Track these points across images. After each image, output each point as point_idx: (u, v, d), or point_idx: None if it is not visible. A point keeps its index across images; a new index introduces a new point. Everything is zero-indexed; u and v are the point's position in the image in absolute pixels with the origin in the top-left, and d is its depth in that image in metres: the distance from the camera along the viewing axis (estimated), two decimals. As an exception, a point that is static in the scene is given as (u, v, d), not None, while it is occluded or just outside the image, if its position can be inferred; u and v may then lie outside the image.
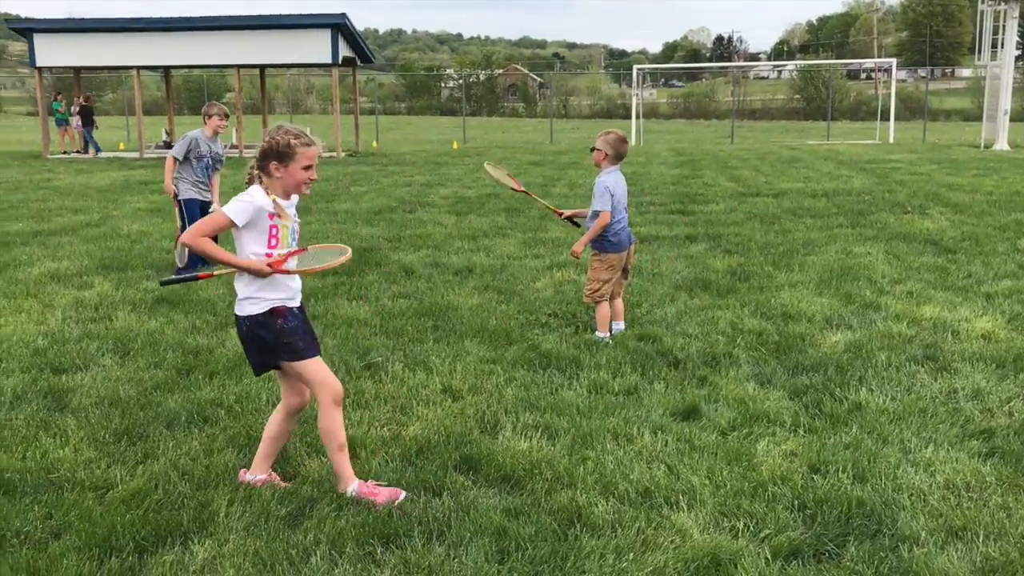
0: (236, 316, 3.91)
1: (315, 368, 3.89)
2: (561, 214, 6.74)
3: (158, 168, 21.38)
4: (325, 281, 8.38)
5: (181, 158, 8.70)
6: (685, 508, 3.81)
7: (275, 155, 3.77)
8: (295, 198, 3.92)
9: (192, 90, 64.35)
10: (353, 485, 3.91)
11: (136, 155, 27.72)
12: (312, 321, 6.83)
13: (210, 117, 8.73)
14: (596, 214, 6.21)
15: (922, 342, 6.26)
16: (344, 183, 18.09)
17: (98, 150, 28.78)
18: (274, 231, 3.81)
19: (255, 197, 3.77)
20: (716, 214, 12.82)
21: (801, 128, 47.86)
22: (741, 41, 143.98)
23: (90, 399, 5.17)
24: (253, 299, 3.83)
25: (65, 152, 28.75)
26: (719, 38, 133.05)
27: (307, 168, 3.81)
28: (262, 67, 30.57)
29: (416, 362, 5.87)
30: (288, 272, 3.81)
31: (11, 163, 24.42)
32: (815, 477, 4.11)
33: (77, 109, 29.14)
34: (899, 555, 3.43)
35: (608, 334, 6.36)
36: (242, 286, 3.86)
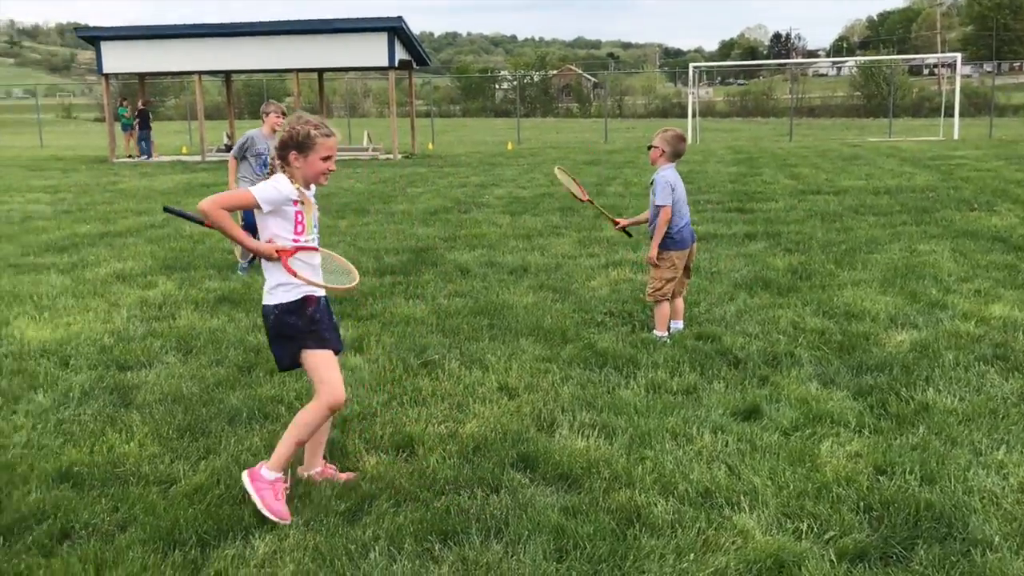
0: (264, 306, 3.86)
1: (326, 362, 3.83)
2: (617, 223, 6.68)
3: (219, 171, 21.84)
4: (383, 280, 8.45)
5: (239, 157, 8.95)
6: (747, 509, 3.74)
7: (295, 145, 3.74)
8: (313, 187, 3.90)
9: (252, 94, 65.55)
10: (272, 474, 3.77)
11: (198, 159, 28.35)
12: (370, 320, 6.97)
13: (268, 115, 8.91)
14: (658, 210, 6.12)
15: (991, 341, 6.07)
16: (401, 184, 18.25)
17: (143, 153, 29.26)
18: (299, 217, 3.81)
19: (281, 186, 3.74)
20: (775, 212, 12.62)
21: (861, 125, 46.96)
22: (799, 38, 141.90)
23: (154, 396, 5.27)
24: (286, 286, 3.78)
25: (130, 156, 29.50)
26: (776, 35, 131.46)
27: (326, 159, 3.78)
28: (320, 71, 31.01)
29: (472, 360, 5.87)
30: (291, 271, 3.71)
31: (80, 167, 25.16)
32: (881, 478, 4.00)
33: (137, 113, 29.85)
34: (971, 560, 3.31)
35: (666, 333, 6.29)
36: (272, 273, 3.83)
